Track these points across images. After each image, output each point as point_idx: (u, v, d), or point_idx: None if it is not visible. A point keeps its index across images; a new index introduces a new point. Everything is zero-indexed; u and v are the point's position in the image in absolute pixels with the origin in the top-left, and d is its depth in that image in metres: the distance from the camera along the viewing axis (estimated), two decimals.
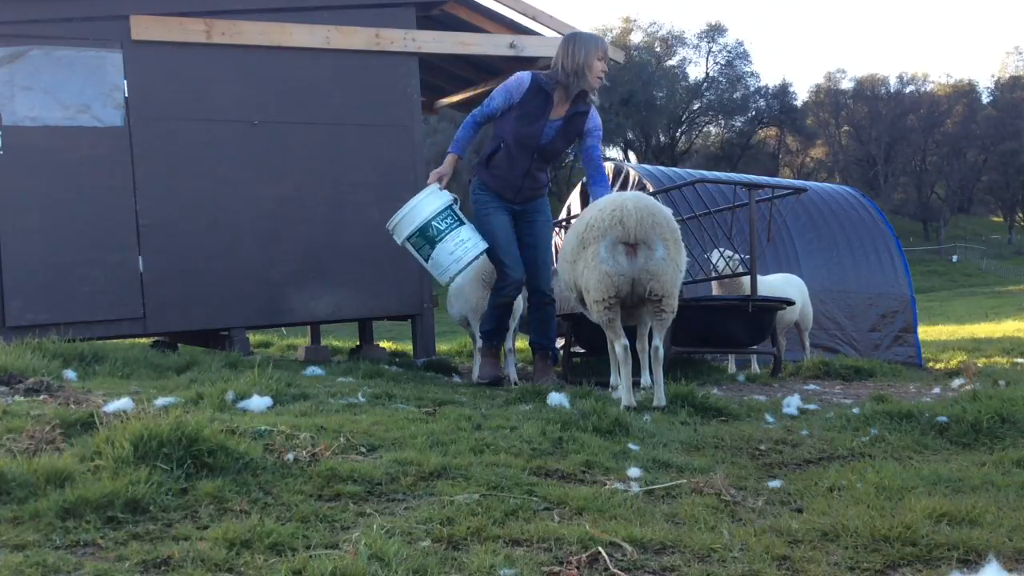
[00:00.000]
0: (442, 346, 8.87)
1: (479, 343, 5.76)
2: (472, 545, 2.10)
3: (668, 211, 4.37)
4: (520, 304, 5.67)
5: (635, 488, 2.68)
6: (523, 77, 5.17)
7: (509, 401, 4.29)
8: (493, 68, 8.57)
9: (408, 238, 5.14)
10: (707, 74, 55.60)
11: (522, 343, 9.72)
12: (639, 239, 4.17)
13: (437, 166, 5.39)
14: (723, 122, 57.80)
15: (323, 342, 9.01)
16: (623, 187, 9.40)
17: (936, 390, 5.56)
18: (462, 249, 5.12)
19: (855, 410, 4.06)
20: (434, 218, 5.09)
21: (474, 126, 5.27)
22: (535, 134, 5.17)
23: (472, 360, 6.26)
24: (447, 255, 5.12)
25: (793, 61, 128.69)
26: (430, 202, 5.13)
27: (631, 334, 4.67)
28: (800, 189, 7.32)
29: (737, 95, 55.22)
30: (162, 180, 6.25)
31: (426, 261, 5.16)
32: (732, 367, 7.38)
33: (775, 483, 2.85)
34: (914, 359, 9.56)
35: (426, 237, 5.11)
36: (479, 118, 5.26)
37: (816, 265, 9.48)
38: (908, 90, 58.94)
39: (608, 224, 4.19)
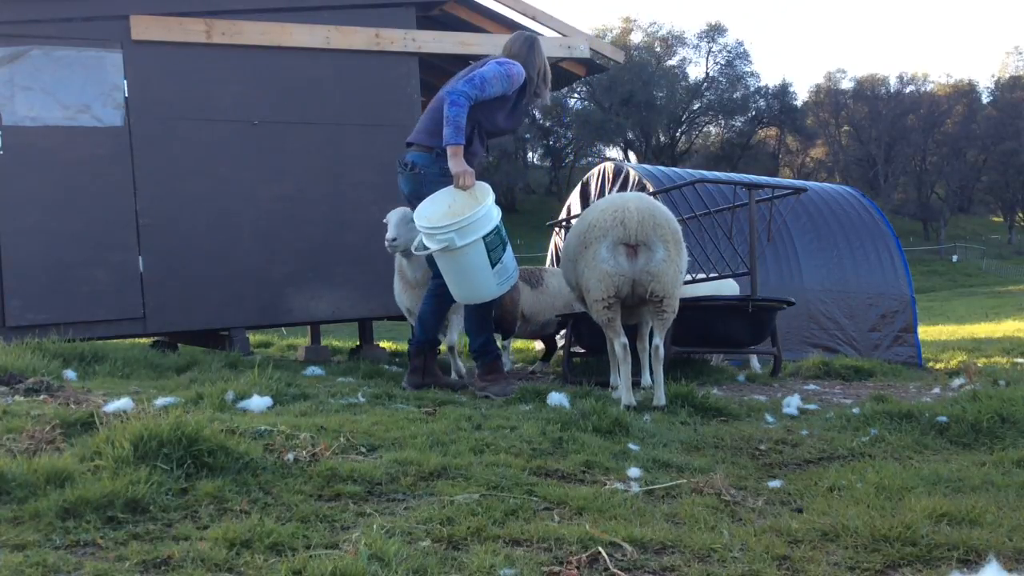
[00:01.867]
0: (442, 346, 8.85)
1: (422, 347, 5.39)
2: (472, 545, 2.10)
3: (669, 212, 4.38)
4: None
5: (635, 488, 2.68)
6: (521, 70, 4.78)
7: (509, 401, 4.29)
8: None
9: (486, 237, 4.30)
10: (707, 74, 55.63)
11: (523, 343, 9.72)
12: (640, 240, 4.18)
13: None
14: (723, 122, 57.81)
15: (323, 342, 9.01)
16: (623, 187, 9.40)
17: (936, 390, 5.56)
18: (515, 260, 4.61)
19: (855, 410, 4.06)
20: (500, 219, 4.45)
21: (470, 111, 4.59)
22: (515, 127, 5.12)
23: (455, 362, 5.88)
24: (511, 259, 4.52)
25: (793, 61, 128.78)
26: (495, 206, 4.45)
27: (631, 334, 4.67)
28: (800, 189, 7.31)
29: (737, 95, 55.23)
30: (162, 180, 6.25)
31: (493, 266, 4.37)
32: (756, 366, 7.33)
33: (775, 483, 2.85)
34: (914, 359, 9.55)
35: (501, 236, 4.40)
36: (474, 101, 4.59)
37: (816, 265, 9.48)
38: (908, 90, 58.93)
39: (609, 224, 4.21)
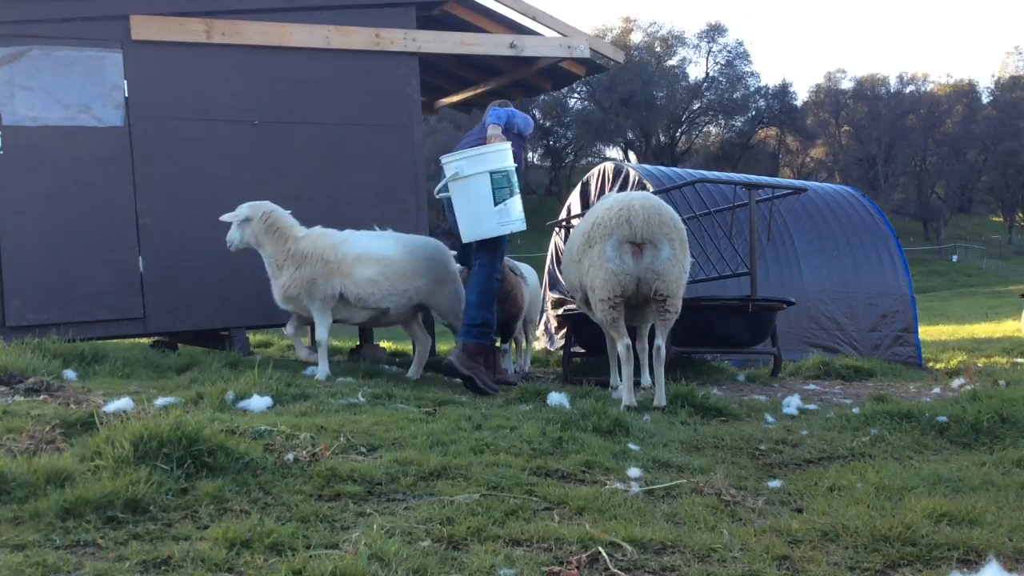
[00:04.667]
0: (442, 346, 8.86)
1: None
2: (472, 545, 2.10)
3: (674, 212, 4.38)
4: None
5: (635, 488, 2.68)
6: (531, 121, 5.63)
7: (509, 401, 4.29)
8: (493, 68, 8.56)
9: (492, 173, 4.82)
10: (707, 74, 55.51)
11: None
12: (645, 239, 4.18)
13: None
14: (723, 122, 57.67)
15: None
16: (623, 187, 9.40)
17: (936, 390, 5.57)
18: (522, 214, 5.05)
19: (855, 410, 4.07)
20: (515, 170, 4.99)
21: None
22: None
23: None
24: (518, 210, 4.99)
25: (793, 61, 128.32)
26: (510, 156, 5.00)
27: (631, 335, 4.67)
28: (800, 189, 7.32)
29: (737, 95, 55.10)
30: (162, 180, 6.24)
31: (495, 204, 4.85)
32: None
33: (775, 483, 2.85)
34: (914, 359, 9.55)
35: (509, 181, 4.91)
36: (504, 124, 5.26)
37: (816, 265, 9.48)
38: (908, 90, 58.80)
39: (615, 223, 4.20)
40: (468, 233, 5.00)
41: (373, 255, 5.29)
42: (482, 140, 5.27)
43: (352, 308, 5.39)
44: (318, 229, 5.40)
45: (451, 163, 4.94)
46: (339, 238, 5.32)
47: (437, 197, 5.17)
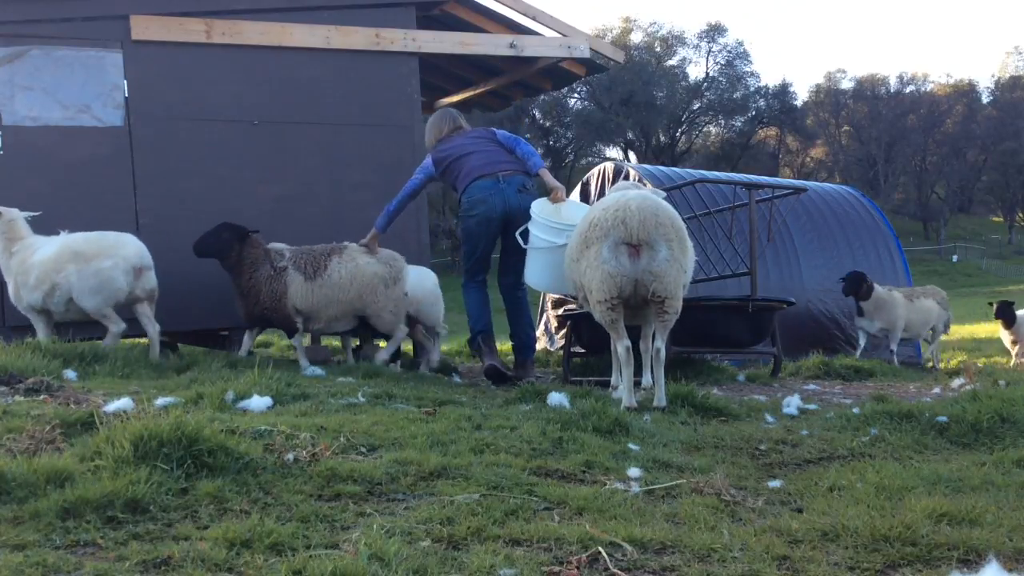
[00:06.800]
0: (442, 346, 8.86)
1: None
2: (472, 545, 2.10)
3: (673, 210, 4.34)
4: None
5: (635, 488, 2.68)
6: None
7: (509, 401, 4.29)
8: (493, 68, 8.57)
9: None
10: (707, 74, 55.55)
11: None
12: (642, 240, 4.14)
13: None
14: (723, 122, 57.70)
15: (323, 342, 9.00)
16: None
17: (936, 390, 5.57)
18: None
19: (855, 410, 4.06)
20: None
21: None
22: None
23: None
24: None
25: (793, 61, 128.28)
26: None
27: (633, 334, 4.66)
28: (800, 189, 7.33)
29: (737, 95, 55.12)
30: (162, 180, 6.25)
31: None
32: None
33: (775, 483, 2.85)
34: (914, 359, 9.56)
35: None
36: None
37: (816, 265, 9.49)
38: (908, 90, 58.87)
39: (611, 224, 4.16)
40: (554, 288, 5.80)
41: (37, 261, 5.24)
42: (484, 143, 5.71)
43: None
44: (27, 241, 5.34)
45: (566, 231, 5.14)
46: (31, 250, 5.27)
47: (517, 236, 5.54)
